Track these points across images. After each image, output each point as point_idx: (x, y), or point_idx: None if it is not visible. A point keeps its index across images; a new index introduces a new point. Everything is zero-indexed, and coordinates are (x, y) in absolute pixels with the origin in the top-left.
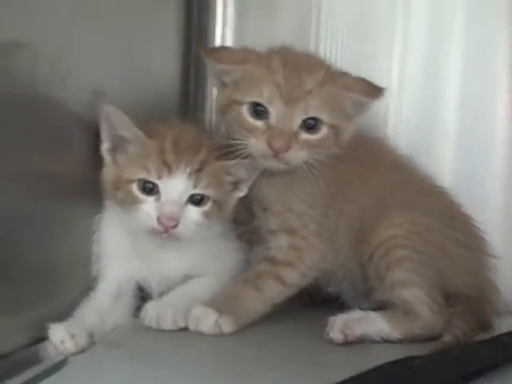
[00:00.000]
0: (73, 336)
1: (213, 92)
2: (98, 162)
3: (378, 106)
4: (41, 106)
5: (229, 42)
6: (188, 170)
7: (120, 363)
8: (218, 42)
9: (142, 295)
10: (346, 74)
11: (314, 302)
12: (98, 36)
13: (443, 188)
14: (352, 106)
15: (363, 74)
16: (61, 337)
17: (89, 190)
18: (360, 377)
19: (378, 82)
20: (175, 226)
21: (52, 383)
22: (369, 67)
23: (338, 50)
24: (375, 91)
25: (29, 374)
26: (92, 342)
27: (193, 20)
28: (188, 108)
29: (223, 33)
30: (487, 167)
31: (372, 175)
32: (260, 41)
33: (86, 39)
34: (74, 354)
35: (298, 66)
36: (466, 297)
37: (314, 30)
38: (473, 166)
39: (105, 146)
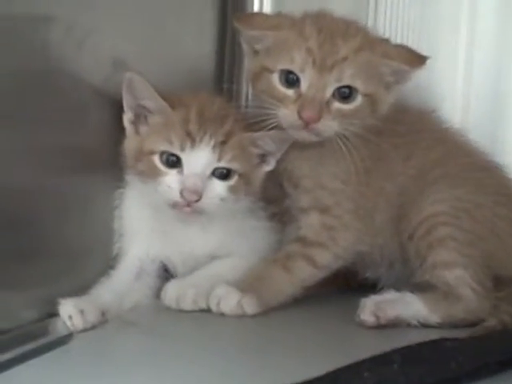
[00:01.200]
0: (82, 312)
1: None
2: (119, 134)
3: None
4: (56, 76)
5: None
6: (212, 142)
7: (129, 340)
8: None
9: (167, 276)
10: (386, 41)
11: (350, 287)
12: (120, 3)
13: (497, 164)
14: (391, 74)
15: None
16: (69, 312)
17: (110, 163)
18: (384, 356)
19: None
20: (198, 200)
21: (54, 357)
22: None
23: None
24: (417, 59)
25: (31, 345)
26: (105, 319)
27: None
28: (221, 88)
29: (261, 4)
30: None
31: (414, 149)
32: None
33: (107, 5)
34: (82, 330)
35: (334, 32)
36: None
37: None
38: None
39: (127, 117)
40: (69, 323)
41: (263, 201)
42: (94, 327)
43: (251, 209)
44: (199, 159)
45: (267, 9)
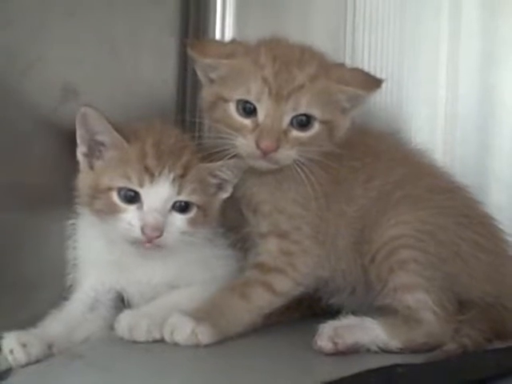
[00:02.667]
0: (24, 345)
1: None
2: (69, 166)
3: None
4: None
5: (229, 22)
6: (171, 176)
7: (73, 375)
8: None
9: (123, 306)
10: (341, 66)
11: (315, 314)
12: (73, 29)
13: (461, 185)
14: (347, 100)
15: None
16: (11, 346)
17: (60, 195)
18: None
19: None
20: (159, 236)
21: None
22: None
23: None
24: (372, 83)
25: None
26: (51, 353)
27: (189, 18)
28: (184, 114)
29: (222, 30)
30: None
31: (373, 171)
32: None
33: (56, 32)
34: (24, 365)
35: (289, 60)
36: (482, 304)
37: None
38: None
39: (80, 151)
40: (10, 357)
41: (224, 227)
42: (38, 361)
43: (210, 237)
44: (159, 194)
45: (229, 34)
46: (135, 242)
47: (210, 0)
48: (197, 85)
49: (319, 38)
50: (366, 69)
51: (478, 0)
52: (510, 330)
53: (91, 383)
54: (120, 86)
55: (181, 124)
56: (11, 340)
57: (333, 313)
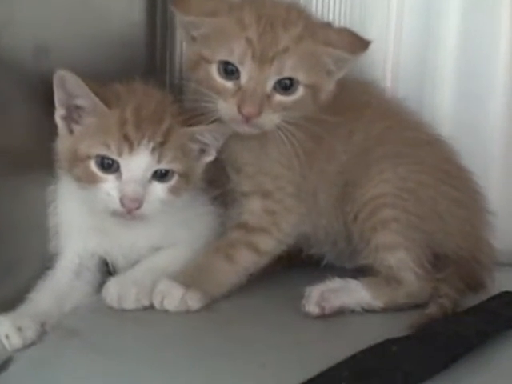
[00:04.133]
0: (19, 329)
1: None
2: (47, 129)
3: (375, 52)
4: None
5: None
6: (151, 145)
7: (74, 356)
8: None
9: (108, 269)
10: (327, 27)
11: (294, 265)
12: None
13: (440, 137)
14: (333, 62)
15: (358, 19)
16: (5, 331)
17: (39, 160)
18: (331, 372)
19: (374, 25)
20: (139, 207)
21: None
22: (364, 12)
23: None
24: (359, 45)
25: None
26: (44, 331)
27: None
28: (154, 58)
29: None
30: (487, 113)
31: (354, 125)
32: None
33: None
34: (21, 349)
35: (274, 20)
36: (456, 258)
37: None
38: (472, 112)
39: (59, 114)
40: (6, 343)
41: (204, 183)
42: (33, 343)
43: (193, 196)
44: (138, 164)
45: None
46: (115, 214)
47: None
48: (166, 27)
49: None
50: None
51: None
52: (481, 283)
53: (95, 366)
54: (91, 37)
55: (162, 84)
56: (5, 325)
57: (312, 263)
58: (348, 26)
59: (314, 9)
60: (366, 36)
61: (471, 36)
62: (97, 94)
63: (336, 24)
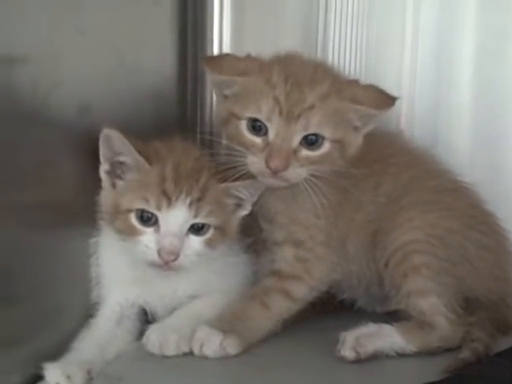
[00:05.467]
0: (69, 377)
1: (212, 91)
2: (91, 184)
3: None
4: (23, 127)
5: (226, 39)
6: (188, 200)
7: None
8: (215, 36)
9: (146, 319)
10: (354, 83)
11: (327, 310)
12: (84, 46)
13: (465, 183)
14: (359, 118)
15: (373, 61)
16: (56, 378)
17: (82, 213)
18: None
19: (389, 68)
20: (176, 259)
21: None
22: (379, 54)
23: (347, 37)
24: (385, 101)
25: None
26: (90, 378)
27: (188, 17)
28: (185, 113)
29: (220, 28)
30: (506, 156)
31: (382, 176)
32: (258, 37)
33: (71, 50)
34: None
35: (301, 79)
36: (486, 302)
37: (322, 19)
38: (491, 154)
39: (103, 169)
40: None
41: (238, 233)
42: None
43: (227, 246)
44: (176, 218)
45: (226, 29)
46: (152, 265)
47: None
48: (196, 82)
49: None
50: (335, 60)
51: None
52: (510, 326)
53: None
54: (126, 93)
55: (193, 139)
56: (56, 373)
57: (345, 308)
58: (363, 73)
59: (330, 59)
60: (382, 83)
61: (485, 79)
62: (139, 152)
63: (351, 73)
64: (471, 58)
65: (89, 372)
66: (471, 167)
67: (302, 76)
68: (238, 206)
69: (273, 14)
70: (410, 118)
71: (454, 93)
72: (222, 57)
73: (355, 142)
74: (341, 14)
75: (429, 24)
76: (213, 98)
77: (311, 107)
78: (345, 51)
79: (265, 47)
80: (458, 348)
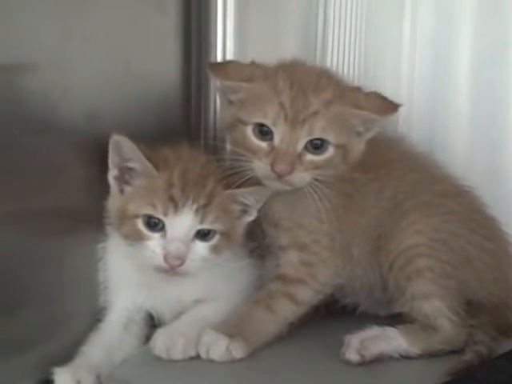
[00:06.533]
0: (79, 382)
1: (215, 99)
2: (99, 190)
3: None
4: (33, 133)
5: (229, 45)
6: (195, 207)
7: None
8: (218, 43)
9: (153, 323)
10: (357, 90)
11: (331, 312)
12: (92, 53)
13: (467, 187)
14: (362, 124)
15: (371, 68)
16: (66, 383)
17: (90, 217)
18: None
19: (387, 74)
20: (181, 264)
21: None
22: (377, 60)
23: (346, 42)
24: (388, 107)
25: None
26: (99, 382)
27: (191, 24)
28: (189, 118)
29: (224, 35)
30: (505, 158)
31: (383, 182)
32: (262, 43)
33: (79, 58)
34: None
35: (305, 86)
36: (488, 305)
37: (321, 24)
38: (489, 158)
39: (112, 174)
40: None
41: (244, 238)
42: None
43: (232, 250)
44: (182, 224)
45: (230, 36)
46: (158, 270)
47: (210, 5)
48: (200, 88)
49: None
50: (334, 65)
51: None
52: (511, 328)
53: None
54: (132, 99)
55: (203, 145)
56: (66, 377)
57: (348, 311)
58: (361, 77)
59: (328, 64)
60: (380, 88)
61: (483, 81)
62: (147, 158)
63: (350, 77)
64: (468, 63)
65: (98, 376)
66: (469, 171)
67: (307, 82)
68: (244, 212)
69: (275, 20)
70: (408, 122)
71: (452, 97)
72: (228, 63)
73: (358, 147)
74: (339, 19)
75: (426, 30)
76: (216, 103)
77: (315, 113)
78: (343, 56)
79: (267, 53)
80: (461, 350)
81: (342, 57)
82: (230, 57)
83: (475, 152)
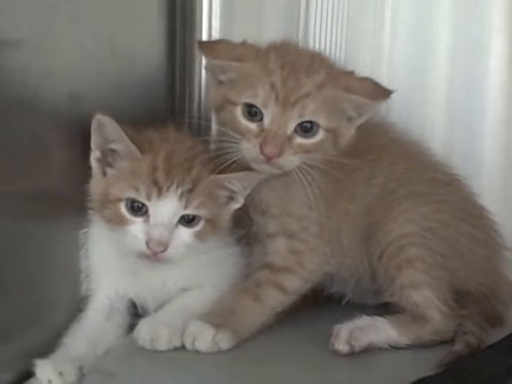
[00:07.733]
0: (61, 374)
1: (200, 79)
2: (82, 174)
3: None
4: (13, 114)
5: (215, 25)
6: (179, 191)
7: None
8: (204, 23)
9: (136, 312)
10: (350, 75)
11: (318, 301)
12: (76, 33)
13: (458, 176)
14: (353, 109)
15: (352, 45)
16: (48, 376)
17: (72, 204)
18: None
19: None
20: (164, 250)
21: None
22: (358, 43)
23: (328, 23)
24: (380, 93)
25: None
26: (82, 374)
27: (176, 3)
28: (174, 100)
29: (209, 14)
30: (481, 133)
31: (374, 168)
32: (248, 23)
33: (64, 38)
34: None
35: (297, 67)
36: (477, 295)
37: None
38: (468, 141)
39: (94, 156)
40: None
41: (230, 225)
42: None
43: (219, 238)
44: (166, 209)
45: (216, 15)
46: (140, 255)
47: None
48: (185, 70)
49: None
50: (317, 47)
51: None
52: (500, 318)
53: None
54: (117, 81)
55: (187, 125)
56: (48, 369)
57: (336, 300)
58: (342, 56)
59: (311, 44)
60: (362, 69)
61: (462, 67)
62: (132, 140)
63: (331, 56)
64: (448, 49)
65: (80, 368)
66: (447, 155)
67: (299, 64)
68: (231, 198)
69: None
70: (386, 107)
71: (431, 83)
72: (218, 42)
73: (348, 132)
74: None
75: (407, 15)
76: (202, 82)
77: (307, 95)
78: (325, 38)
79: (253, 33)
80: (451, 341)
81: (323, 38)
82: (216, 37)
83: (453, 136)
